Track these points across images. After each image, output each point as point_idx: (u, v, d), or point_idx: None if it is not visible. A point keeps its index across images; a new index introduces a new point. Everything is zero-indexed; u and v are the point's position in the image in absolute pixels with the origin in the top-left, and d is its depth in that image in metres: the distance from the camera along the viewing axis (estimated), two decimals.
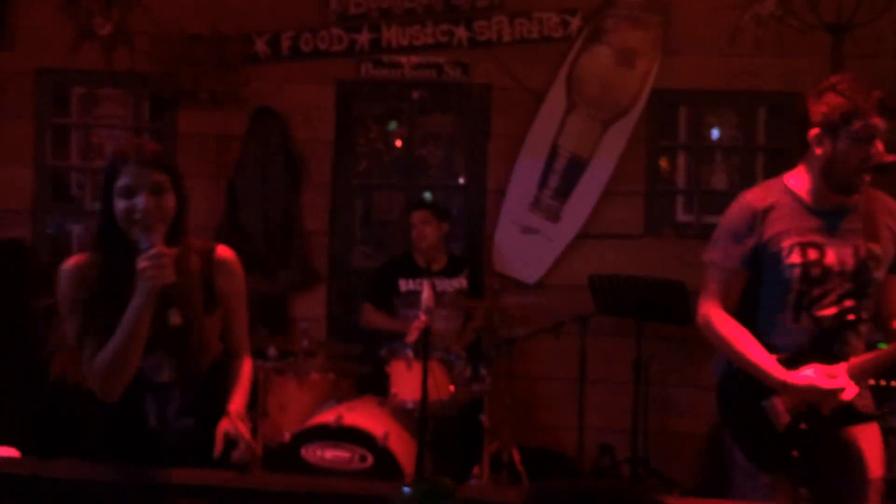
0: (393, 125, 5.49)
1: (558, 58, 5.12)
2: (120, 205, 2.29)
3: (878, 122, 2.56)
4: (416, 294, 4.60)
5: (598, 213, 5.11)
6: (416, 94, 5.29)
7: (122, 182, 2.29)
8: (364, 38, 5.19)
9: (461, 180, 5.44)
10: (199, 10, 5.17)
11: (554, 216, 5.15)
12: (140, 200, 2.27)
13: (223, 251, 2.52)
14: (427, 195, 5.44)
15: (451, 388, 4.18)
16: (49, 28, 5.25)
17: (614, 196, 5.11)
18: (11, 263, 5.04)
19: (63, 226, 5.53)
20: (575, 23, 5.11)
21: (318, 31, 5.20)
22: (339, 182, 5.28)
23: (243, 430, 2.39)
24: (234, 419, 2.41)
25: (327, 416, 3.90)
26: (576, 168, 5.12)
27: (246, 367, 2.59)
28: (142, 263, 2.22)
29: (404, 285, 4.73)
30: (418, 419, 3.92)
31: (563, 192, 5.13)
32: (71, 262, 2.38)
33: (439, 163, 5.46)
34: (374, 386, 4.34)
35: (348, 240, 5.38)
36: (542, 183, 5.14)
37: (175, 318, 2.30)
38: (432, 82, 5.22)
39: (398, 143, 5.48)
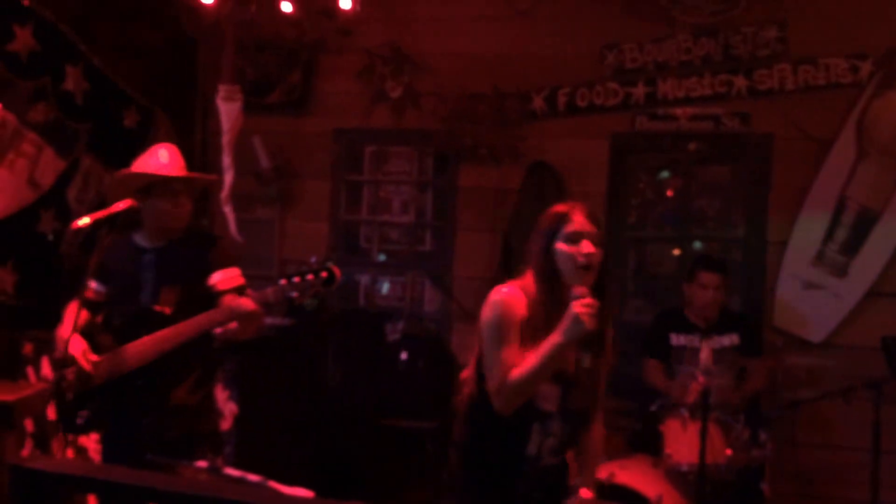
0: (665, 174, 5.33)
1: (846, 105, 4.77)
2: (564, 248, 2.59)
3: None
4: (686, 350, 4.44)
5: (893, 269, 4.66)
6: (692, 146, 5.13)
7: (569, 228, 2.60)
8: (639, 91, 5.12)
9: (739, 232, 5.17)
10: (480, 71, 5.33)
11: (841, 271, 4.77)
12: (584, 246, 2.57)
13: None
14: (697, 244, 5.22)
15: (728, 451, 3.94)
16: (346, 93, 5.63)
17: None
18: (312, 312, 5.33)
19: (352, 276, 5.82)
20: (865, 68, 4.74)
21: (594, 86, 5.20)
22: (611, 234, 5.19)
23: None
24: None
25: (599, 473, 3.73)
26: (866, 221, 4.73)
27: (599, 439, 2.82)
28: (579, 308, 2.46)
29: (675, 339, 4.54)
30: (694, 483, 3.77)
31: (852, 247, 4.75)
32: (507, 291, 2.65)
33: (716, 214, 5.23)
34: (646, 444, 4.19)
35: (621, 293, 5.27)
36: (828, 236, 4.79)
37: (587, 363, 2.57)
38: (710, 133, 5.05)
39: (669, 192, 5.32)
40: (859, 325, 4.70)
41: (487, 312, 2.63)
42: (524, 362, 2.53)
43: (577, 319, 2.45)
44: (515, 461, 2.63)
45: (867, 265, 4.72)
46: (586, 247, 2.56)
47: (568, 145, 5.22)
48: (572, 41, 5.22)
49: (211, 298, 3.28)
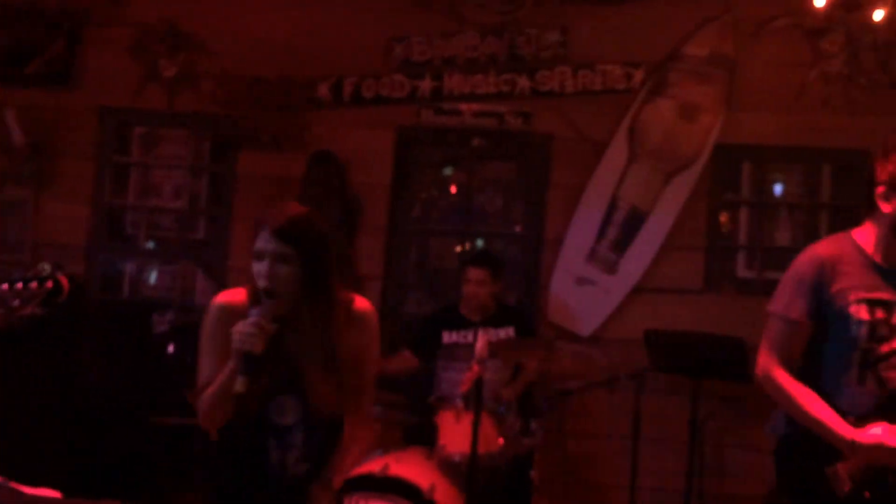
0: (449, 170, 5.61)
1: (620, 110, 5.22)
2: (254, 265, 2.43)
3: None
4: (458, 347, 4.67)
5: (657, 266, 5.15)
6: (475, 142, 5.41)
7: (256, 244, 2.43)
8: (426, 85, 5.35)
9: (518, 229, 5.51)
10: (264, 55, 5.37)
11: (611, 268, 5.20)
12: (264, 266, 2.39)
13: (361, 304, 2.59)
14: (479, 242, 5.51)
15: (501, 441, 4.18)
16: (115, 69, 5.50)
17: (674, 250, 5.15)
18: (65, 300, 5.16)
19: (116, 264, 5.68)
20: (638, 75, 5.21)
21: (381, 78, 5.37)
22: (395, 227, 5.40)
23: None
24: (321, 493, 2.52)
25: (373, 466, 3.91)
26: (635, 220, 5.19)
27: (358, 440, 2.61)
28: (237, 327, 2.33)
29: (447, 337, 4.74)
30: (467, 472, 3.92)
31: (622, 245, 5.19)
32: (225, 298, 2.53)
33: (497, 211, 5.55)
34: (422, 436, 4.36)
35: (402, 286, 5.47)
36: (601, 234, 5.21)
37: (239, 387, 2.32)
38: (493, 130, 5.35)
39: (453, 189, 5.60)
40: (625, 319, 5.14)
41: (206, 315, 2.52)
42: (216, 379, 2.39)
43: (233, 337, 2.32)
44: (257, 475, 2.52)
45: (635, 262, 5.17)
46: (265, 269, 2.38)
47: (353, 135, 5.35)
48: (361, 31, 5.38)
49: None
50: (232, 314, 2.44)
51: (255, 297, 2.44)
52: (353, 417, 2.58)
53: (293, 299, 2.42)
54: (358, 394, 2.56)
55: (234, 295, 2.52)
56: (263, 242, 2.40)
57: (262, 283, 2.39)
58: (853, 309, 2.66)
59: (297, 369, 2.45)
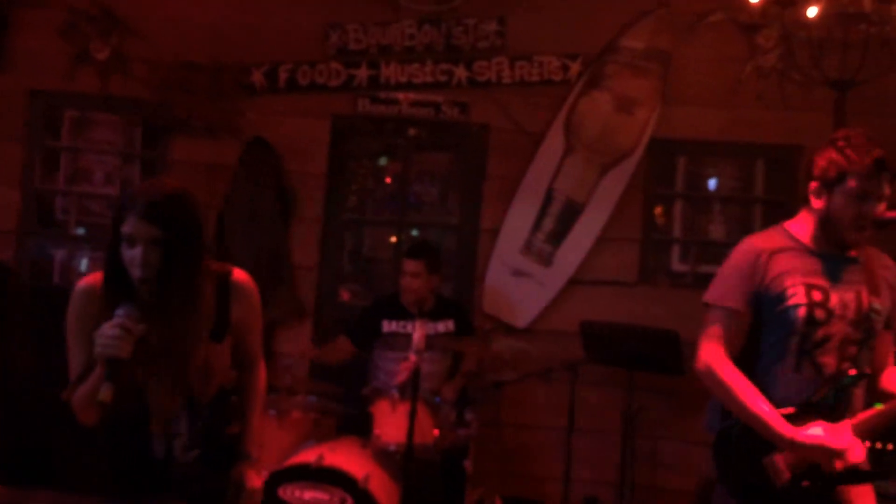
0: (384, 160, 5.54)
1: (557, 101, 5.21)
2: (124, 251, 2.27)
3: (875, 183, 2.64)
4: (397, 336, 4.63)
5: (592, 258, 5.16)
6: (412, 132, 5.37)
7: (125, 228, 2.26)
8: (362, 73, 5.28)
9: (454, 220, 5.48)
10: (197, 39, 5.28)
11: (547, 260, 5.19)
12: (137, 253, 2.25)
13: (239, 275, 2.51)
14: (414, 232, 5.47)
15: (436, 431, 4.17)
16: (45, 51, 5.35)
17: (609, 242, 5.16)
18: None
19: (46, 249, 5.55)
20: (575, 67, 5.21)
21: (317, 65, 5.30)
22: (330, 217, 5.33)
23: (253, 483, 2.50)
24: (246, 469, 2.51)
25: (308, 456, 3.92)
26: (571, 212, 5.19)
27: (259, 380, 2.63)
28: (101, 329, 2.19)
29: (387, 326, 4.70)
30: (401, 462, 3.94)
31: (557, 237, 5.19)
32: (86, 281, 2.38)
33: (433, 201, 5.51)
34: (357, 426, 4.32)
35: (337, 275, 5.41)
36: (536, 226, 5.20)
37: (104, 396, 2.15)
38: (429, 120, 5.31)
39: (388, 179, 5.55)
40: (560, 311, 5.14)
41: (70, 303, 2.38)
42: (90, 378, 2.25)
43: (96, 341, 2.18)
44: (143, 464, 2.42)
45: (570, 255, 5.17)
46: (140, 256, 2.24)
47: (288, 123, 5.28)
48: (296, 16, 5.31)
49: None
50: (92, 300, 2.32)
51: (113, 285, 2.30)
52: (254, 369, 2.60)
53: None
54: (248, 360, 2.58)
55: (94, 279, 2.37)
56: (135, 226, 2.22)
57: (136, 272, 2.25)
58: (790, 292, 2.68)
59: (168, 354, 2.33)
